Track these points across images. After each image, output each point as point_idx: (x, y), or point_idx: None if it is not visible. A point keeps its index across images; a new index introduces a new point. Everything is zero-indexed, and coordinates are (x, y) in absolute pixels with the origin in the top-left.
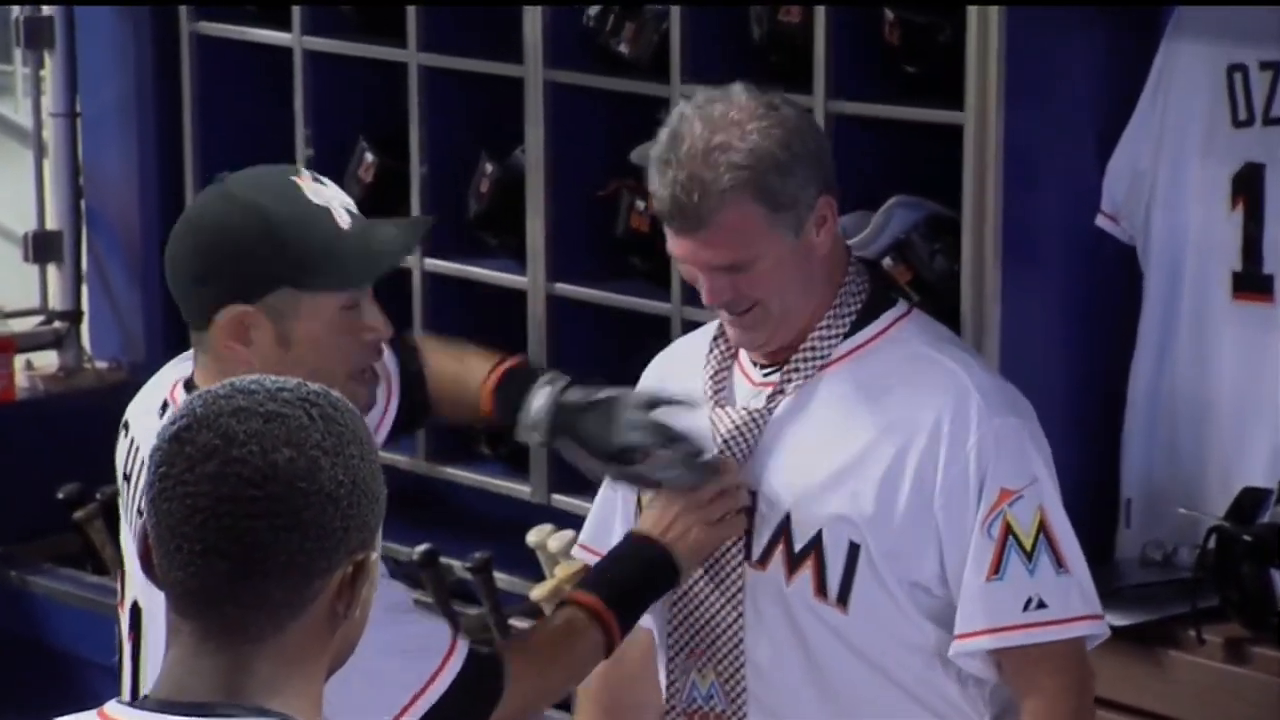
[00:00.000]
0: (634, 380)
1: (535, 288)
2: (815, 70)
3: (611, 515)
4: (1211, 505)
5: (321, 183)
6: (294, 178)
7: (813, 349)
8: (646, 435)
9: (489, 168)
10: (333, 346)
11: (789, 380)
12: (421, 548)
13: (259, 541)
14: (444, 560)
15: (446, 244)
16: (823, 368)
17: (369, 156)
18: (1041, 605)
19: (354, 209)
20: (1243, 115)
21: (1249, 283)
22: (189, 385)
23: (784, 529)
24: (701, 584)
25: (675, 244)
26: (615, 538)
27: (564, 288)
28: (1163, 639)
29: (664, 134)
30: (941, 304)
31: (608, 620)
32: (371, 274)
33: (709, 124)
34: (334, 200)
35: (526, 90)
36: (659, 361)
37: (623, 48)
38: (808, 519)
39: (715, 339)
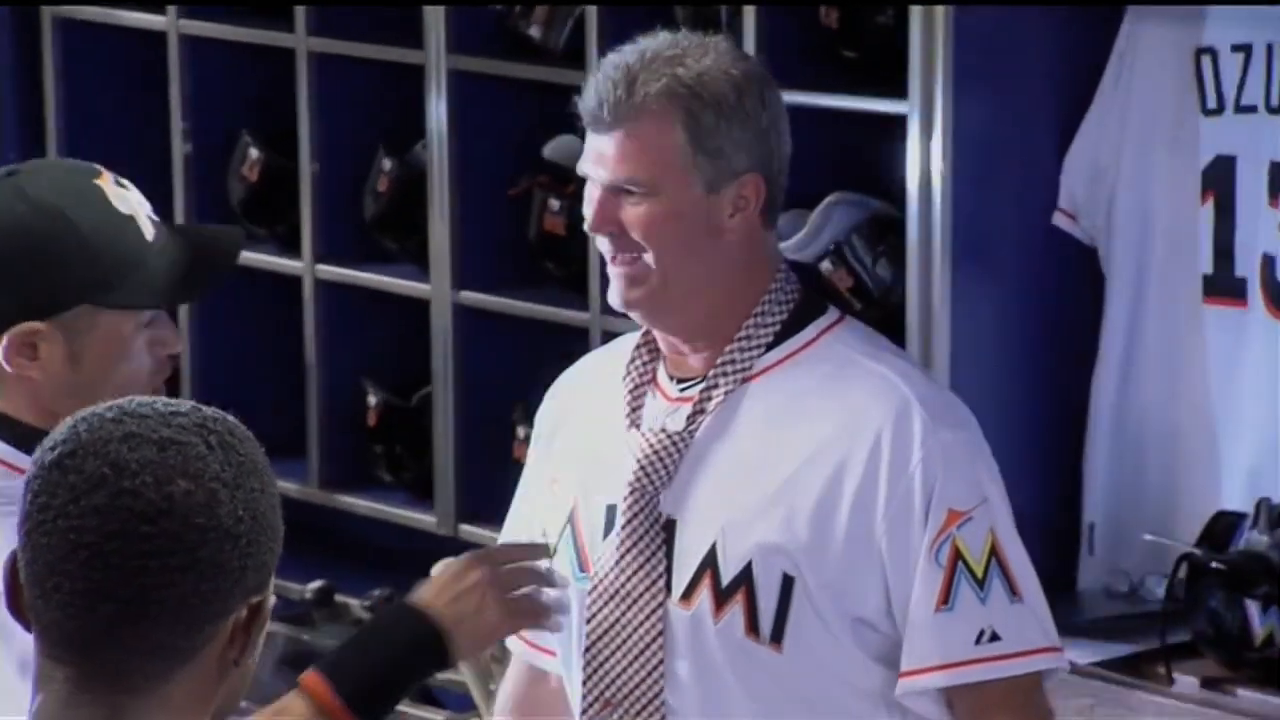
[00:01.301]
0: (544, 392)
1: (440, 296)
2: (747, 50)
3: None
4: (1182, 531)
5: (124, 186)
6: (96, 180)
7: (732, 361)
8: None
9: (387, 164)
10: (126, 364)
11: (709, 396)
12: (315, 584)
13: (150, 582)
14: (340, 598)
15: (341, 249)
16: (745, 380)
17: (254, 152)
18: (995, 638)
19: (155, 216)
20: (1212, 103)
21: (1221, 286)
22: None
23: (710, 561)
24: (617, 625)
25: (587, 150)
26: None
27: (472, 296)
28: (1130, 677)
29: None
30: (885, 312)
31: (337, 715)
32: (188, 293)
33: (676, 43)
34: (139, 208)
35: (428, 78)
36: (566, 380)
37: (534, 32)
38: (735, 549)
39: (638, 348)
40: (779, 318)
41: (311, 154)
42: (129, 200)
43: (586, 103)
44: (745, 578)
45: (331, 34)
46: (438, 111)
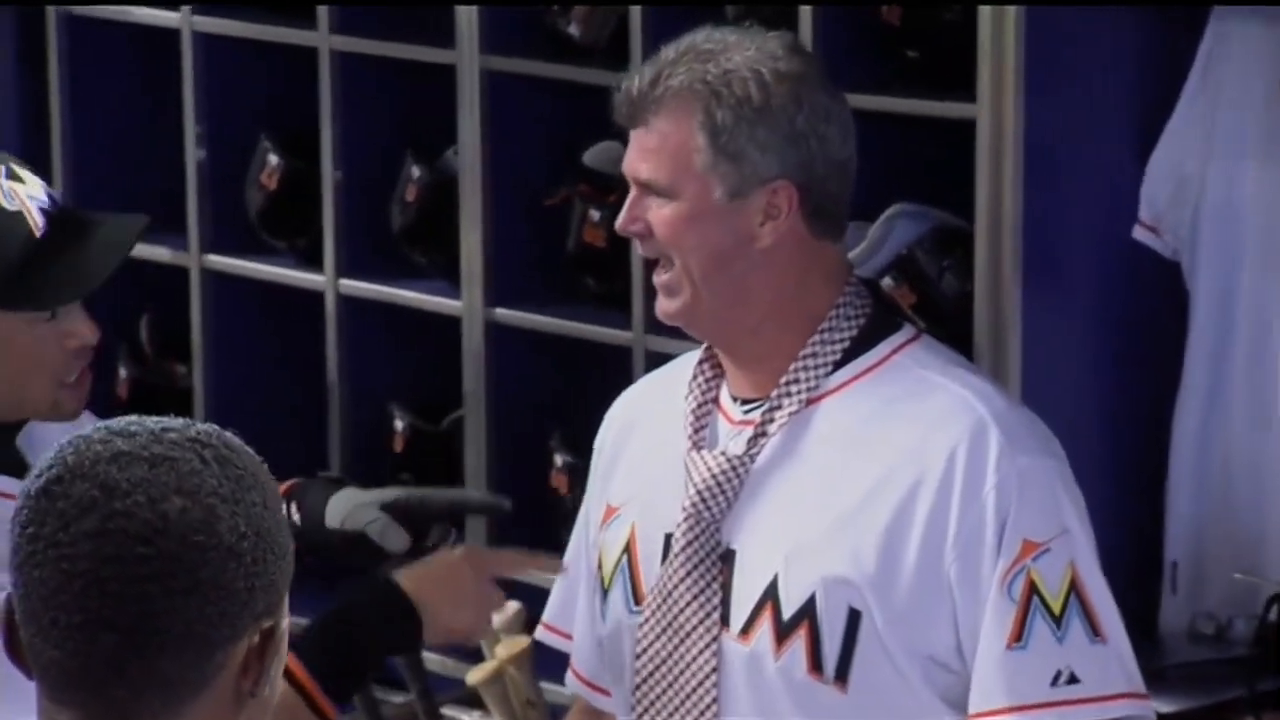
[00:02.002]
0: (585, 420)
1: (471, 313)
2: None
3: (577, 587)
4: (1272, 569)
5: (16, 177)
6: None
7: (796, 380)
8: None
9: (415, 172)
10: (31, 361)
11: (771, 419)
12: None
13: (151, 609)
14: None
15: (366, 262)
16: (811, 402)
17: (273, 158)
18: (1073, 680)
19: (52, 203)
20: None
21: None
22: None
23: (771, 594)
24: (670, 660)
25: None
26: (584, 617)
27: (506, 313)
28: None
29: None
30: (951, 331)
31: (305, 685)
32: (78, 293)
33: (718, 38)
34: (30, 199)
35: (460, 80)
36: (624, 403)
37: (573, 30)
38: (798, 582)
39: (700, 364)
40: (847, 334)
41: (335, 160)
42: (18, 194)
43: (616, 98)
44: (808, 612)
45: (356, 32)
46: (470, 115)
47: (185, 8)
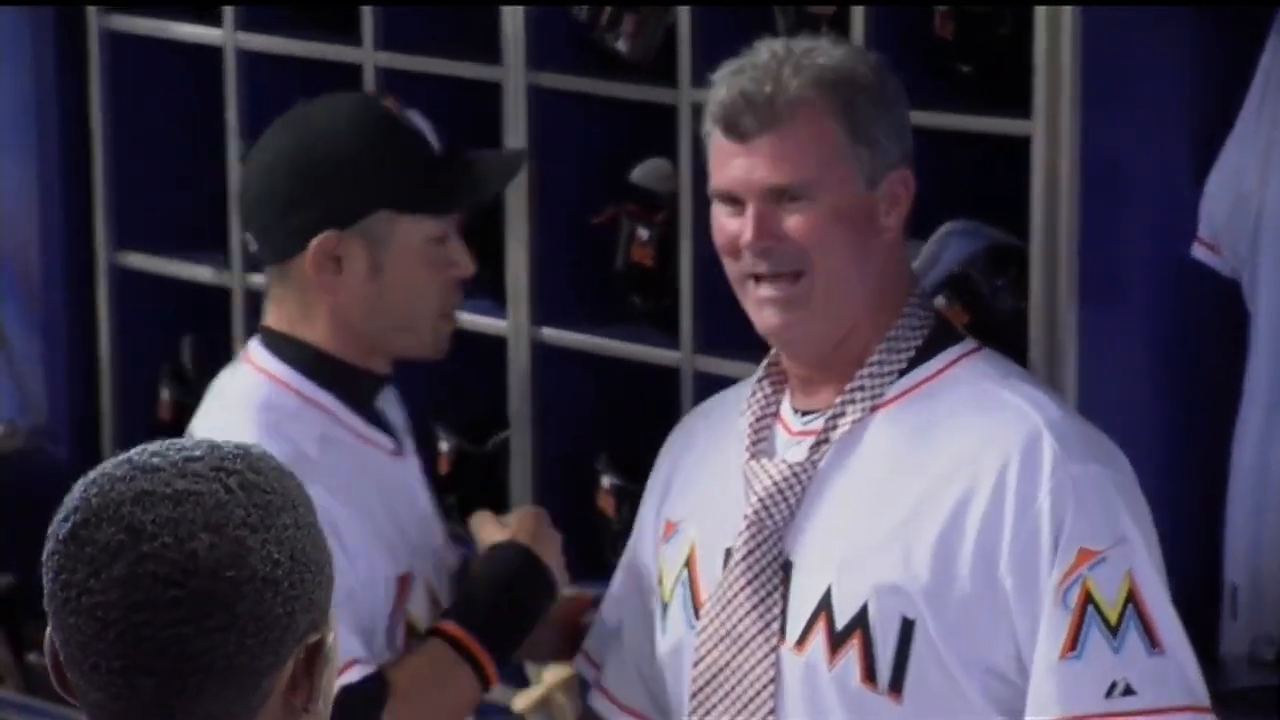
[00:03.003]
0: (632, 441)
1: (517, 333)
2: None
3: (617, 613)
4: None
5: (407, 110)
6: (384, 102)
7: (862, 387)
8: None
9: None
10: (421, 280)
11: (834, 425)
12: None
13: (189, 650)
14: None
15: None
16: (874, 409)
17: None
18: (1129, 691)
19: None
20: None
21: None
22: (264, 333)
23: (825, 604)
24: (726, 670)
25: (725, 165)
26: (625, 650)
27: (552, 333)
28: None
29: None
30: (1006, 350)
31: (477, 653)
32: (473, 199)
33: (804, 44)
34: (424, 126)
35: (505, 96)
36: (683, 425)
37: (621, 45)
38: (851, 590)
39: (760, 380)
40: (914, 343)
41: None
42: (414, 119)
43: (724, 110)
44: (861, 621)
45: (401, 48)
46: (516, 131)
47: (229, 23)
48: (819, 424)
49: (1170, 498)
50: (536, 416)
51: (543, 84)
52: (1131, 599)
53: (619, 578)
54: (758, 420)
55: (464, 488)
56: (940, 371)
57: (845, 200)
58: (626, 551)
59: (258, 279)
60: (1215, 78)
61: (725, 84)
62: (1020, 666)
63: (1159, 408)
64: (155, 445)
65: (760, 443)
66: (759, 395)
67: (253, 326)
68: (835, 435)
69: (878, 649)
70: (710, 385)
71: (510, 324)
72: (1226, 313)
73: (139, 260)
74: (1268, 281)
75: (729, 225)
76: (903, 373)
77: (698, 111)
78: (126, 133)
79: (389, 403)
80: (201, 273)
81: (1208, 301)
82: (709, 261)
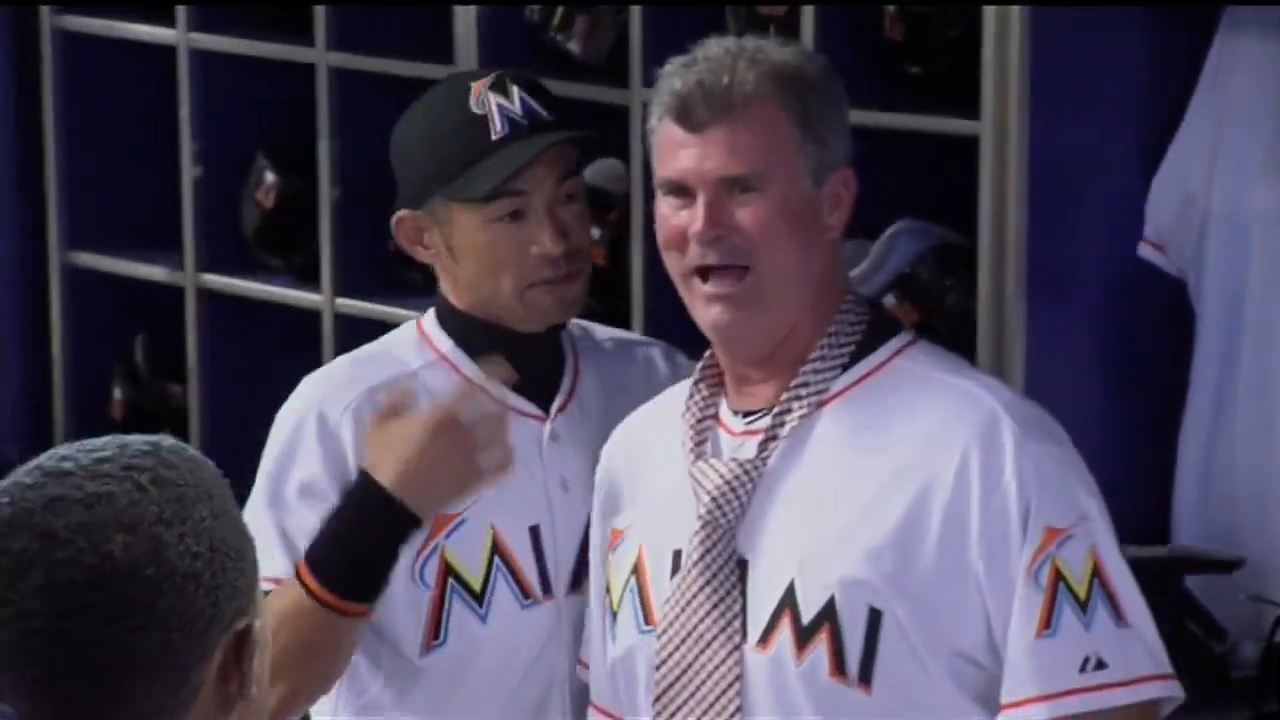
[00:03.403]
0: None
1: None
2: None
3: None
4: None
5: (501, 89)
6: (473, 82)
7: (806, 384)
8: None
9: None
10: (491, 260)
11: (781, 422)
12: None
13: (115, 652)
14: None
15: (363, 281)
16: (820, 405)
17: (270, 176)
18: (1101, 665)
19: (526, 114)
20: None
21: None
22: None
23: (789, 600)
24: (690, 671)
25: (676, 155)
26: (598, 647)
27: None
28: None
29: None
30: (954, 349)
31: (313, 589)
32: (489, 185)
33: (756, 43)
34: (498, 108)
35: None
36: (621, 433)
37: (573, 46)
38: (816, 584)
39: (697, 383)
40: (853, 338)
41: (332, 178)
42: (490, 101)
43: (678, 100)
44: (828, 614)
45: (355, 49)
46: None
47: (182, 22)
48: (764, 422)
49: (1118, 495)
50: None
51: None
52: (1097, 574)
53: (590, 587)
54: (699, 422)
55: None
56: (884, 364)
57: (794, 195)
58: (591, 565)
59: (211, 278)
60: (1163, 78)
61: (678, 76)
62: (989, 649)
63: (1106, 406)
64: (64, 448)
65: (702, 444)
66: (697, 398)
67: (206, 326)
68: (784, 432)
69: (846, 641)
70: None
71: None
72: (1173, 312)
73: (91, 259)
74: (1213, 281)
75: (675, 218)
76: (845, 367)
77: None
78: (79, 132)
79: (608, 359)
80: (155, 272)
81: (1154, 301)
82: (661, 261)
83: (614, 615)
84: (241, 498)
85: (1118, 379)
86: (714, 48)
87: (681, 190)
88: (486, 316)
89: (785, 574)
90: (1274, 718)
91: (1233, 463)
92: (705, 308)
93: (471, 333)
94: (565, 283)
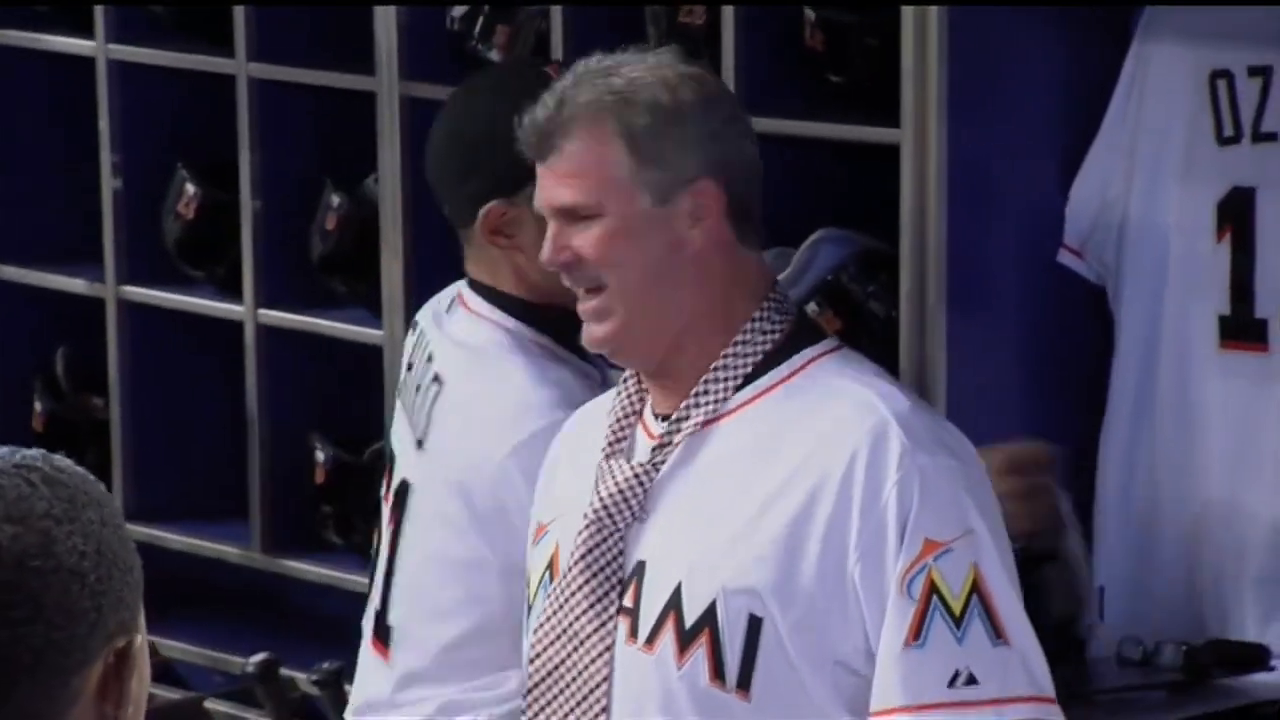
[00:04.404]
0: None
1: (393, 343)
2: (723, 80)
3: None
4: (1201, 593)
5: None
6: (545, 68)
7: (705, 392)
8: None
9: (335, 200)
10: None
11: (676, 429)
12: (258, 657)
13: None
14: (285, 672)
15: (286, 292)
16: (720, 416)
17: (191, 187)
18: (972, 680)
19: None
20: (1228, 131)
21: (1239, 329)
22: (471, 283)
23: (675, 603)
24: (563, 667)
25: (539, 187)
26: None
27: None
28: None
29: None
30: (878, 355)
31: None
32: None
33: (613, 60)
34: None
35: (379, 106)
36: (572, 419)
37: (494, 55)
38: (700, 590)
39: (626, 379)
40: (760, 348)
41: (253, 189)
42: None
43: (523, 134)
44: (709, 620)
45: (275, 59)
46: (390, 142)
47: (100, 33)
48: (663, 428)
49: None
50: None
51: (416, 94)
52: (976, 590)
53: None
54: (621, 420)
55: (341, 499)
56: (794, 373)
57: (632, 219)
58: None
59: (132, 290)
60: (1081, 87)
61: (538, 104)
62: (868, 658)
63: (1028, 411)
64: None
65: (619, 443)
66: (623, 396)
67: (127, 338)
68: (677, 439)
69: (726, 648)
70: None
71: (385, 334)
72: (1093, 317)
73: (11, 272)
74: (1132, 287)
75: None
76: (751, 377)
77: None
78: (3, 148)
79: None
80: (75, 284)
81: (1075, 306)
82: None
83: (529, 610)
84: (166, 506)
85: (1039, 384)
86: (575, 71)
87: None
88: (551, 299)
89: (673, 577)
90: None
91: (1154, 463)
92: (584, 326)
93: (560, 322)
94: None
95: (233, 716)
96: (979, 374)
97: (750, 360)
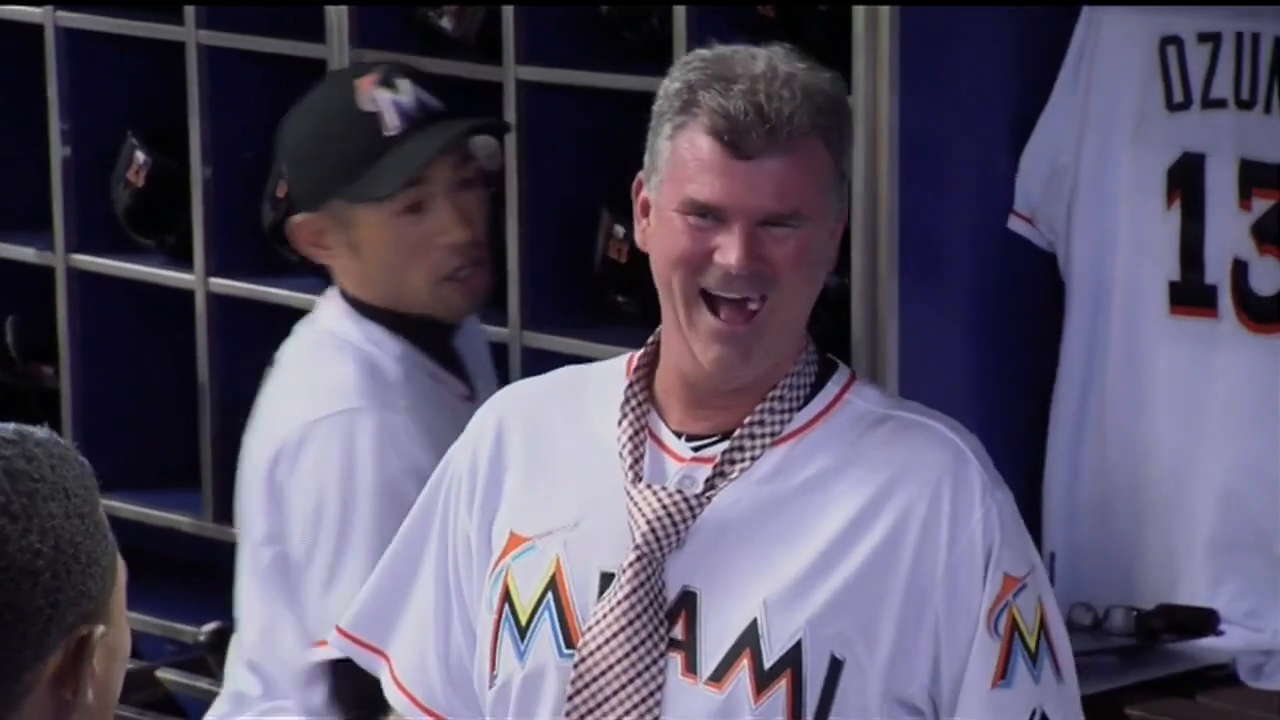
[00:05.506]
0: None
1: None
2: (676, 48)
3: (399, 597)
4: (1150, 558)
5: (390, 84)
6: (357, 79)
7: (762, 421)
8: None
9: (285, 169)
10: (398, 255)
11: (733, 459)
12: (210, 626)
13: None
14: None
15: (237, 260)
16: (776, 442)
17: (140, 155)
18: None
19: (420, 108)
20: (1178, 97)
21: (1188, 294)
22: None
23: (750, 640)
24: (611, 701)
25: (712, 177)
26: (417, 641)
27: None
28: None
29: (686, 70)
30: (829, 324)
31: None
32: (398, 179)
33: (768, 55)
34: (390, 103)
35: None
36: (508, 409)
37: (445, 23)
38: (781, 629)
39: (633, 385)
40: (809, 378)
41: (203, 157)
42: (380, 98)
43: (728, 123)
44: (792, 660)
45: (225, 27)
46: None
47: (49, 3)
48: (713, 452)
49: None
50: None
51: (369, 61)
52: (1043, 627)
53: (397, 559)
54: (634, 436)
55: None
56: (834, 403)
57: (820, 234)
58: (409, 536)
59: (81, 258)
60: (1032, 53)
61: (720, 92)
62: (929, 695)
63: (979, 378)
64: None
65: (639, 462)
66: (632, 404)
67: (77, 307)
68: (735, 469)
69: (807, 688)
70: (537, 360)
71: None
72: (1044, 283)
73: None
74: (1082, 253)
75: (692, 238)
76: (801, 406)
77: (522, 88)
78: None
79: (470, 346)
80: (25, 253)
81: (1026, 273)
82: (539, 236)
83: (521, 630)
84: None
85: (991, 349)
86: (751, 61)
87: (707, 212)
88: (399, 309)
89: (746, 613)
90: (1147, 685)
91: (1104, 429)
92: (707, 344)
93: (396, 321)
94: (475, 275)
95: (184, 685)
96: (930, 341)
97: (803, 390)
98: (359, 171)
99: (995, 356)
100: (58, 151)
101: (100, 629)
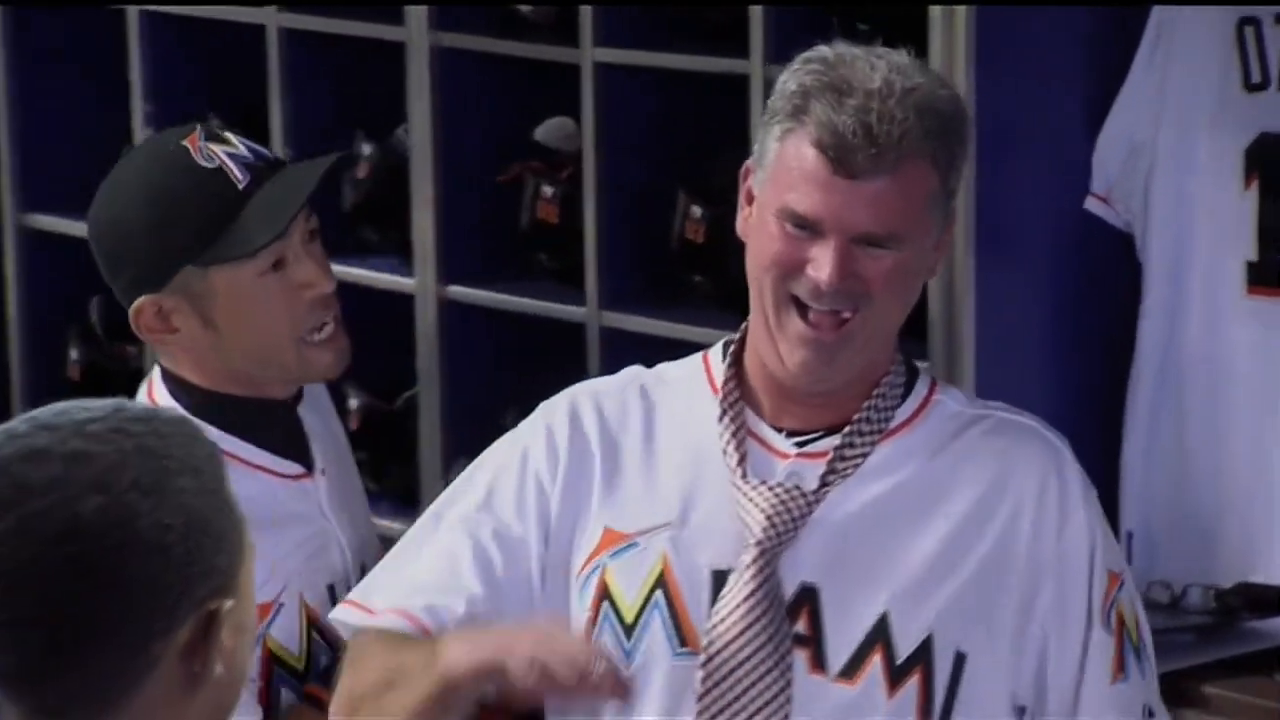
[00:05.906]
0: (540, 397)
1: (424, 291)
2: (752, 30)
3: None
4: (1229, 536)
5: (218, 138)
6: (184, 141)
7: (869, 419)
8: None
9: (366, 150)
10: (265, 316)
11: (843, 456)
12: None
13: (76, 608)
14: None
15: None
16: (882, 438)
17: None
18: (1151, 714)
19: (256, 156)
20: (1256, 78)
21: (1266, 274)
22: (162, 370)
23: (881, 634)
24: (742, 699)
25: (814, 191)
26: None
27: (459, 290)
28: (1171, 698)
29: (804, 72)
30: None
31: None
32: (273, 230)
33: (887, 65)
34: (230, 156)
35: (409, 57)
36: (600, 408)
37: (524, 6)
38: (912, 623)
39: (729, 381)
40: (902, 377)
41: (284, 139)
42: (217, 153)
43: (836, 139)
44: (924, 655)
45: (304, 9)
46: (420, 93)
47: None
48: (819, 448)
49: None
50: (444, 374)
51: (446, 44)
52: (1138, 622)
53: (466, 542)
54: (736, 433)
55: (374, 445)
56: (924, 404)
57: (919, 253)
58: (479, 511)
59: None
60: (1108, 32)
61: (832, 106)
62: (1035, 691)
63: (1055, 359)
64: (64, 404)
65: (744, 458)
66: (731, 400)
67: None
68: (843, 466)
69: (936, 683)
70: (615, 340)
71: (417, 282)
72: (1121, 264)
73: (45, 221)
74: (1159, 233)
75: (789, 245)
76: (898, 405)
77: (599, 70)
78: (31, 98)
79: (315, 414)
80: None
81: (1102, 254)
82: (616, 217)
83: (626, 627)
84: None
85: (1067, 330)
86: (860, 69)
87: (805, 223)
88: (239, 388)
89: (874, 608)
90: (1223, 664)
91: (1181, 410)
92: (794, 347)
93: (225, 408)
94: (338, 331)
95: None
96: (1007, 323)
97: (901, 381)
98: (214, 234)
99: (1072, 336)
100: (140, 135)
101: (229, 603)
